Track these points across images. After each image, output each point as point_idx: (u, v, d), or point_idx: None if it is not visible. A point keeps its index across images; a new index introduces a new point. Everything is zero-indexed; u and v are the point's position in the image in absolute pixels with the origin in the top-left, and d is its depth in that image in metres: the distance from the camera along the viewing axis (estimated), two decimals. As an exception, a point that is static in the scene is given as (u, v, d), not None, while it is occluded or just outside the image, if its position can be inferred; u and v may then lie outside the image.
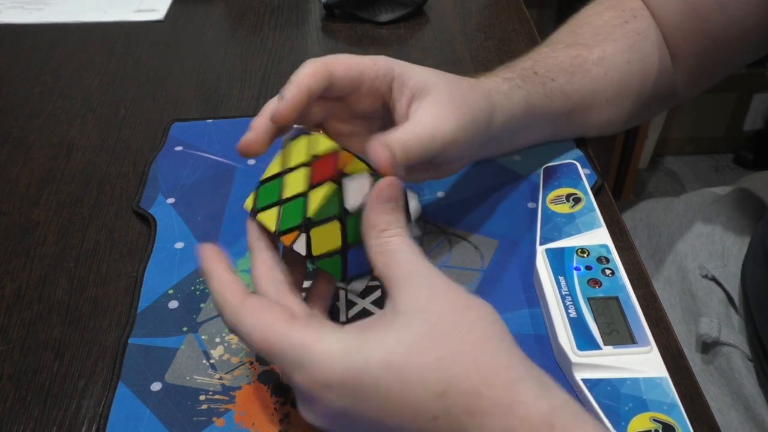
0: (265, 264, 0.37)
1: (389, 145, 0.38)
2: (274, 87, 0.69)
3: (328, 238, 0.37)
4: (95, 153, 0.61)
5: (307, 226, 0.36)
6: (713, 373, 0.58)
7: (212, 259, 0.36)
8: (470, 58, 0.72)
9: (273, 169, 0.39)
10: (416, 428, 0.30)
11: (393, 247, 0.34)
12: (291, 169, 0.38)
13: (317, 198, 0.36)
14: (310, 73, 0.39)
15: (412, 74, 0.42)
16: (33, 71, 0.72)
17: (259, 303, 0.34)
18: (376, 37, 0.76)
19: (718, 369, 0.58)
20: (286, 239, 0.36)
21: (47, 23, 0.80)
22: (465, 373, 0.30)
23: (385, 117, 0.44)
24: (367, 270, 0.38)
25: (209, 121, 0.63)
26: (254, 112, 0.64)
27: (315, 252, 0.36)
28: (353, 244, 0.37)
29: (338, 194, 0.36)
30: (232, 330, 0.34)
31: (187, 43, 0.76)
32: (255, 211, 0.38)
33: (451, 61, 0.72)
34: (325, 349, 0.31)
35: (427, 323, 0.31)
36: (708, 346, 0.59)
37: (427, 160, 0.41)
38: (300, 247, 0.36)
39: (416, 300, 0.32)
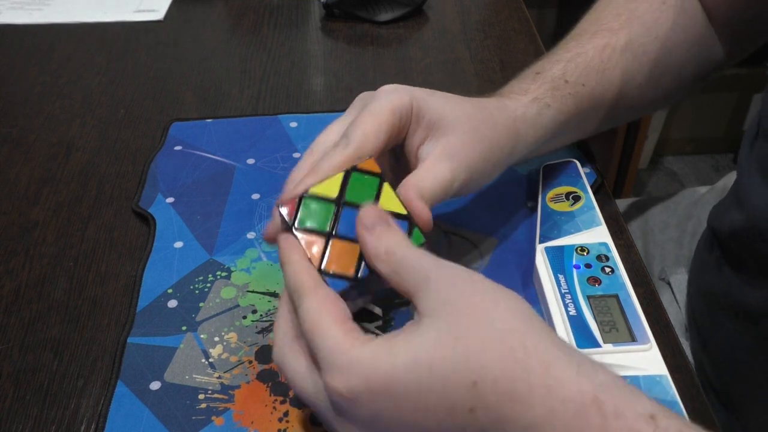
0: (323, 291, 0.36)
1: (419, 192, 0.38)
2: (274, 86, 0.69)
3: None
4: (94, 153, 0.61)
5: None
6: None
7: (292, 247, 0.36)
8: (470, 57, 0.72)
9: (328, 189, 0.37)
10: (456, 424, 0.30)
11: (399, 260, 0.34)
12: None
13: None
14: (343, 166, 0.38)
15: (428, 107, 0.41)
16: (32, 71, 0.72)
17: (327, 295, 0.33)
18: (375, 37, 0.76)
19: None
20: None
21: (47, 23, 0.80)
22: (495, 360, 0.29)
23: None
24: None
25: (209, 120, 0.63)
26: (253, 111, 0.65)
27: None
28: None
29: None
30: (296, 307, 0.34)
31: (187, 43, 0.76)
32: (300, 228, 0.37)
33: (450, 60, 0.72)
34: (354, 356, 0.31)
35: (451, 317, 0.30)
36: None
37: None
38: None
39: (436, 299, 0.31)
